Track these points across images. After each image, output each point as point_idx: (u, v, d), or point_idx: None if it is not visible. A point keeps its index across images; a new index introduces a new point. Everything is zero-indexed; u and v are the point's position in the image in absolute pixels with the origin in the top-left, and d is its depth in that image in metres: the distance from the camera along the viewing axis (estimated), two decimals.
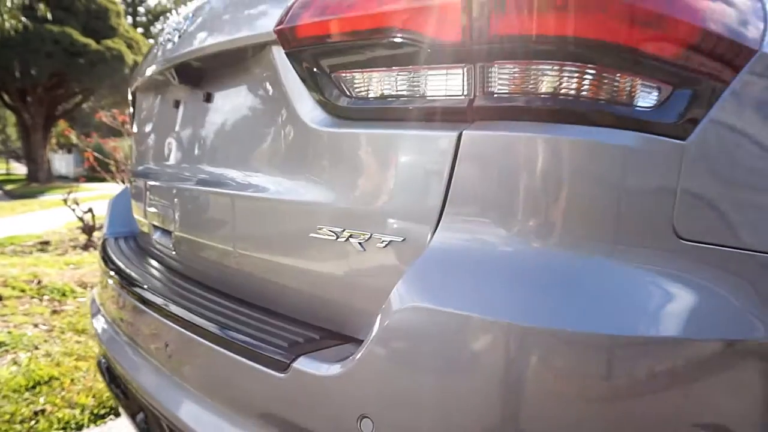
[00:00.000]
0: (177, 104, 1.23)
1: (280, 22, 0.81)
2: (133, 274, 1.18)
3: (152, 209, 1.30)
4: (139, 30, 29.86)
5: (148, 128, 1.47)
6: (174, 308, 0.96)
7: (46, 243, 5.74)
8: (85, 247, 5.54)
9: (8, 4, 9.99)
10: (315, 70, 0.79)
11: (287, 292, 0.89)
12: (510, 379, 0.58)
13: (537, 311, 0.59)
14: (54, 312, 3.24)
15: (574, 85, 0.61)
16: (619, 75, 0.61)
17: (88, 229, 5.88)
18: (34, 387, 2.28)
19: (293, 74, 0.82)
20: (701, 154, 0.62)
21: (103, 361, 1.26)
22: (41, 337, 2.83)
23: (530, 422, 0.58)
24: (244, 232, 0.97)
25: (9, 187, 18.04)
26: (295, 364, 0.70)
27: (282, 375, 0.71)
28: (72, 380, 2.35)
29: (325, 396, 0.68)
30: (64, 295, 3.59)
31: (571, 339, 0.57)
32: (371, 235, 0.72)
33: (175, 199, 1.17)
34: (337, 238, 0.75)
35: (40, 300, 3.46)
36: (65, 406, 2.15)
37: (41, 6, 11.94)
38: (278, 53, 0.84)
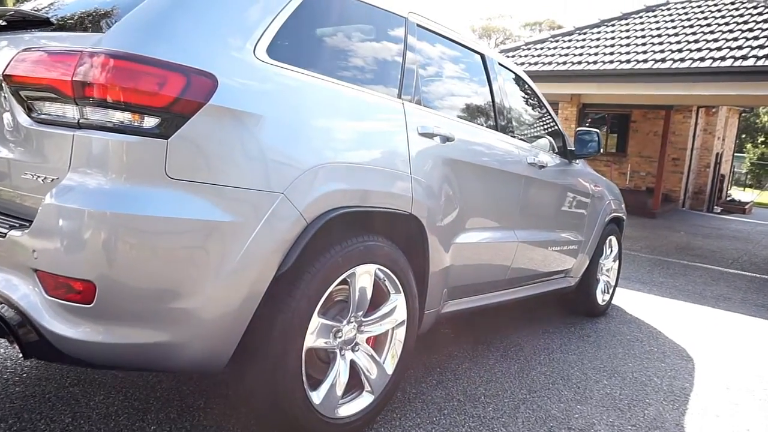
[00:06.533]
0: None
1: (3, 70, 1.63)
2: None
3: None
4: None
5: None
6: None
7: None
8: None
9: None
10: (21, 96, 1.62)
11: (13, 204, 1.68)
12: (100, 236, 1.43)
13: (116, 206, 1.47)
14: None
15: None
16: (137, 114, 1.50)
17: None
18: None
19: (12, 96, 1.64)
20: (176, 145, 1.52)
21: None
22: None
23: (113, 254, 1.45)
24: None
25: None
26: (8, 234, 1.53)
27: (3, 239, 1.56)
28: None
29: (22, 244, 1.50)
30: None
31: (131, 219, 1.43)
32: (45, 176, 1.54)
33: None
34: (33, 177, 1.59)
35: None
36: None
37: None
38: (5, 84, 1.65)
